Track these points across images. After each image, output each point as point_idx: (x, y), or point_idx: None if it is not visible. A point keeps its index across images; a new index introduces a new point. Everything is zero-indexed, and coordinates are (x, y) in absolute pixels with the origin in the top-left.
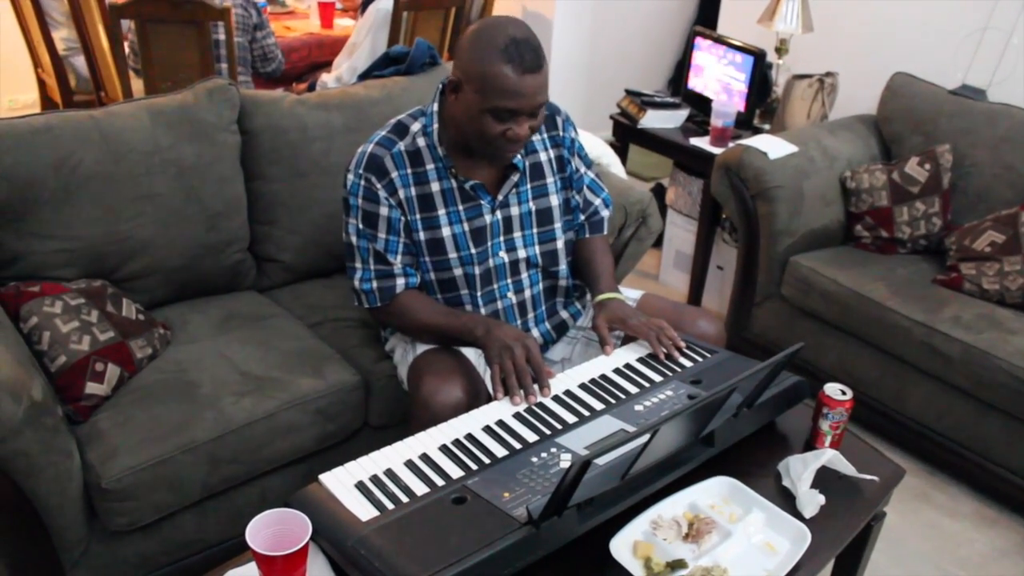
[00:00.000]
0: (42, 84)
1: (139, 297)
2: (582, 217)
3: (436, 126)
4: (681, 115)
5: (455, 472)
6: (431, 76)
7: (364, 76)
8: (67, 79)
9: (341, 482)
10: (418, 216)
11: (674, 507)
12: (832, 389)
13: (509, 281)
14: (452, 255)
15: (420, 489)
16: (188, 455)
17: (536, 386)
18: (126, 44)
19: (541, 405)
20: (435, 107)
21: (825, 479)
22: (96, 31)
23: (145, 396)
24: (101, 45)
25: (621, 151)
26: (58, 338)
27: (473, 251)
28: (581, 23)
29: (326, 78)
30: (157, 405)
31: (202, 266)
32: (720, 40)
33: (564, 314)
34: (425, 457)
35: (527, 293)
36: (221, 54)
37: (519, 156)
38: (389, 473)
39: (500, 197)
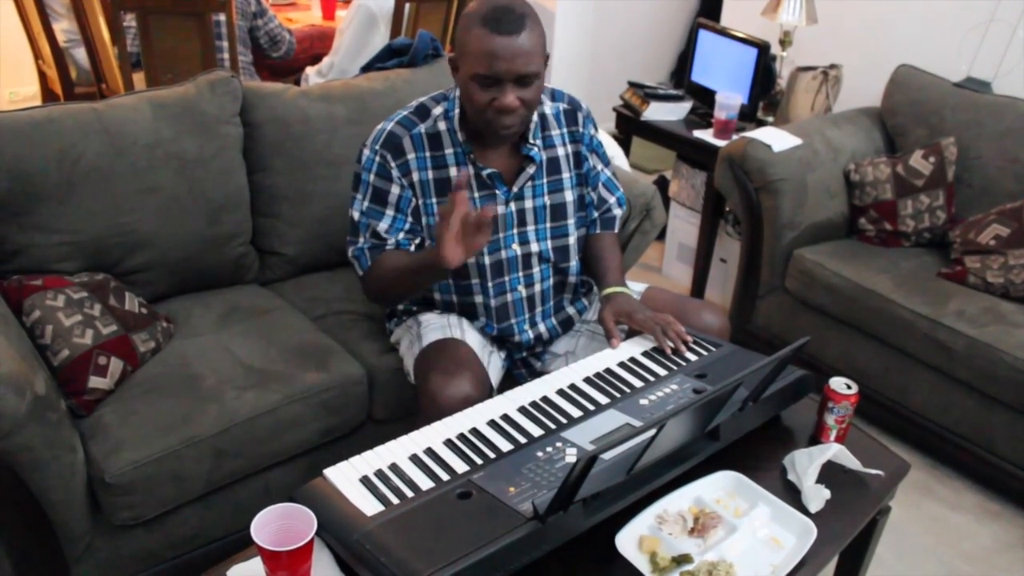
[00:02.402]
0: (43, 76)
1: (142, 290)
2: (595, 214)
3: (457, 111)
4: (684, 107)
5: (460, 467)
6: (434, 68)
7: (367, 68)
8: (68, 71)
9: (346, 477)
10: (433, 200)
11: (680, 501)
12: (837, 383)
13: (520, 274)
14: None
15: (425, 484)
16: (191, 449)
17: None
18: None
19: (546, 399)
20: (458, 92)
21: (830, 473)
22: (97, 23)
23: (148, 390)
24: (102, 37)
25: (624, 143)
26: (61, 332)
27: None
28: (584, 15)
29: (310, 71)
30: (160, 399)
31: (205, 259)
32: (723, 32)
33: (571, 310)
34: (430, 452)
35: (537, 288)
36: (222, 32)
37: (537, 149)
38: (394, 468)
39: (515, 188)
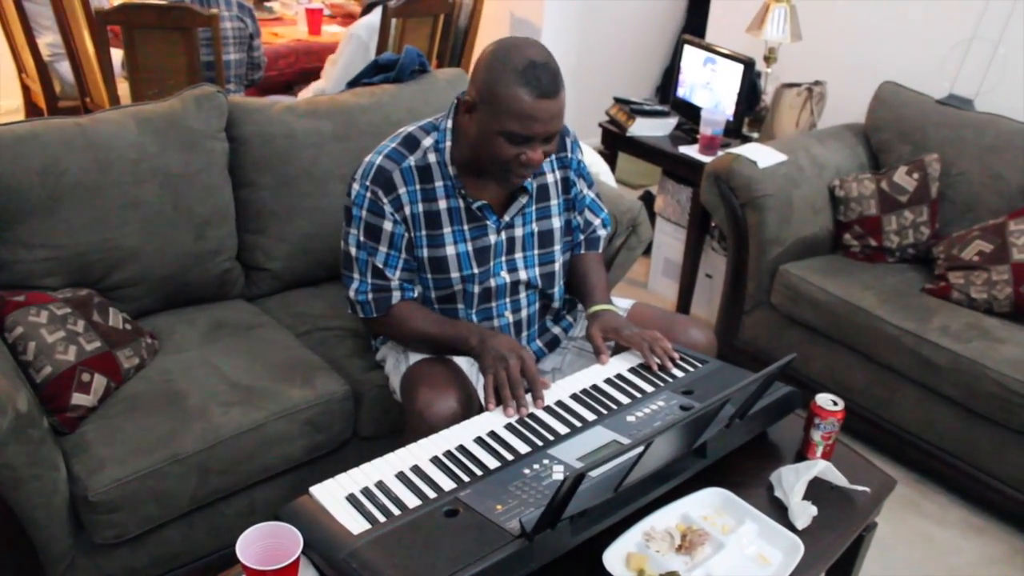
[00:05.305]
0: (26, 90)
1: (126, 306)
2: (581, 236)
3: (449, 143)
4: (670, 123)
5: (447, 484)
6: (421, 84)
7: (353, 84)
8: (52, 85)
9: (332, 495)
10: (423, 233)
11: (667, 519)
12: (824, 399)
13: (507, 300)
14: (454, 274)
15: (412, 501)
16: (176, 467)
17: (529, 397)
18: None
19: (533, 416)
20: (449, 123)
21: (817, 490)
22: (81, 36)
23: (132, 407)
24: (87, 50)
25: (610, 159)
26: (44, 348)
27: (476, 271)
28: (570, 30)
29: (302, 96)
30: (144, 416)
31: (190, 275)
32: (709, 48)
33: (556, 329)
34: (416, 469)
35: (523, 313)
36: (214, 76)
37: (529, 179)
38: (380, 485)
39: (506, 218)
